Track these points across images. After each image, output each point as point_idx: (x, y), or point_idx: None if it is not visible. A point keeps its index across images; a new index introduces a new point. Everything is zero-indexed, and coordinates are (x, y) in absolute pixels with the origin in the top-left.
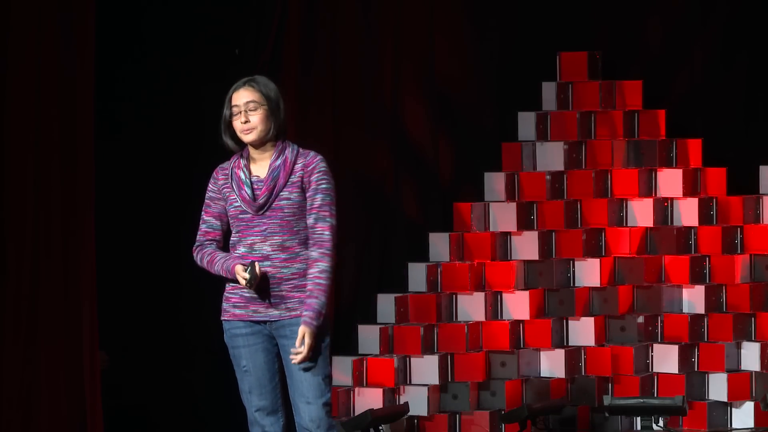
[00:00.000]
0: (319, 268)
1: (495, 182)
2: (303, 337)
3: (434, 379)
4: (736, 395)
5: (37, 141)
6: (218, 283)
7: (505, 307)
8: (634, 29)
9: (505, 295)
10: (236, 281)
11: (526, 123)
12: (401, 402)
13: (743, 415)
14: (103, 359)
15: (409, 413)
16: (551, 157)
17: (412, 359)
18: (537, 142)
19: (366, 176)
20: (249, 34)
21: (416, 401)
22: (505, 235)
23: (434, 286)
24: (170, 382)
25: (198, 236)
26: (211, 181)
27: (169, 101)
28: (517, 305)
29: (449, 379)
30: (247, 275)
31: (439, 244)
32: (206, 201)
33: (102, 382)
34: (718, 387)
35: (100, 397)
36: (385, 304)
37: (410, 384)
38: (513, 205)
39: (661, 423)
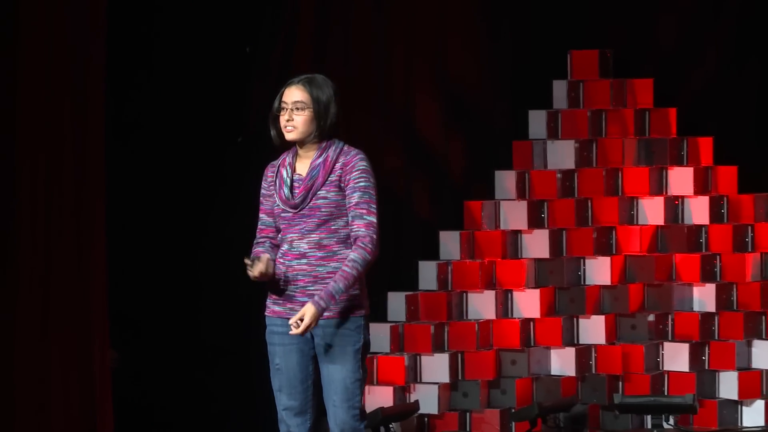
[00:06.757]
0: (349, 257)
1: (506, 181)
2: (303, 313)
3: (445, 378)
4: (747, 393)
5: (48, 136)
6: (239, 284)
7: (515, 306)
8: (645, 27)
9: (515, 294)
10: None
11: (537, 121)
12: (412, 400)
13: (754, 413)
14: (113, 358)
15: (420, 411)
16: (562, 155)
17: (422, 357)
18: (548, 140)
19: (377, 174)
20: (261, 32)
21: (427, 399)
22: (516, 234)
23: (445, 285)
24: (182, 381)
25: (257, 232)
26: (263, 178)
27: (181, 99)
28: (528, 303)
29: (460, 378)
30: (248, 261)
31: (450, 243)
32: (260, 198)
33: (112, 381)
34: (728, 385)
35: (110, 396)
36: (396, 303)
37: (421, 382)
38: (524, 204)
39: (671, 421)
